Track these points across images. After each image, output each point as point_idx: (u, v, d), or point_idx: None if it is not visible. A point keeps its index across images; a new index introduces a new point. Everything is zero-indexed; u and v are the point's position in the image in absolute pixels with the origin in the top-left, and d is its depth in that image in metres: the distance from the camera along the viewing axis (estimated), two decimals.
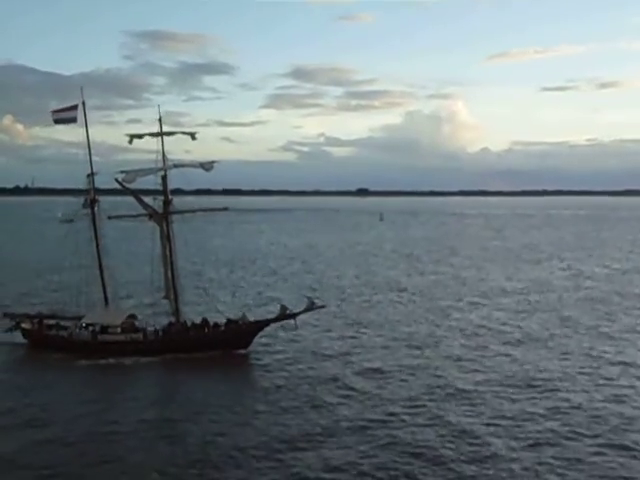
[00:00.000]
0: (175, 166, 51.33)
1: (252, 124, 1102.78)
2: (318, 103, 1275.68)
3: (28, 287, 75.89)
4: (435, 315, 64.00)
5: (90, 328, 50.81)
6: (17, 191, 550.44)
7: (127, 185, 50.69)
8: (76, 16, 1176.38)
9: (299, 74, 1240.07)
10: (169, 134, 51.45)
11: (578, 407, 37.80)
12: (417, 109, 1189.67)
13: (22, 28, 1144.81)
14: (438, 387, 41.50)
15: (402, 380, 43.03)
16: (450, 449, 31.99)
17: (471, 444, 32.47)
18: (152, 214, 51.40)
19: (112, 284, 53.37)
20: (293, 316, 49.68)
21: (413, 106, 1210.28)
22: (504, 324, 59.79)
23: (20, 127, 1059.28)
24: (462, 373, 44.71)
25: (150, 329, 50.50)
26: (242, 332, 50.04)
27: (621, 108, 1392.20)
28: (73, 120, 51.91)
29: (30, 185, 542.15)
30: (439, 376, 43.81)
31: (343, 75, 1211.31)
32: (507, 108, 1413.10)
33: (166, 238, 51.31)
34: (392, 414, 36.79)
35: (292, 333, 52.14)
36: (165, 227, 51.24)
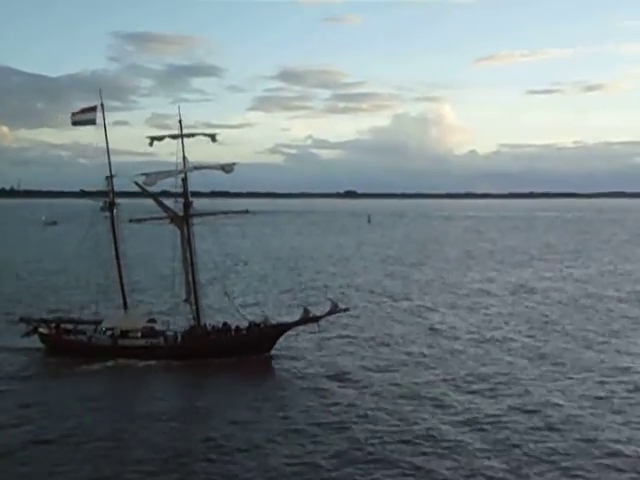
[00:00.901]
0: (196, 168, 50.77)
1: (240, 126, 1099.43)
2: (306, 105, 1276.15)
3: (44, 291, 74.93)
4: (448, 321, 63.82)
5: (109, 333, 50.23)
6: (3, 193, 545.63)
7: (148, 188, 50.02)
8: (63, 18, 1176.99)
9: (287, 76, 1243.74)
10: (189, 136, 50.86)
11: (554, 408, 38.09)
12: (405, 112, 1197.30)
13: (8, 31, 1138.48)
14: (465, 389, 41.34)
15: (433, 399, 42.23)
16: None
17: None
18: (173, 217, 50.81)
19: (130, 288, 52.65)
20: (316, 319, 49.23)
21: (401, 109, 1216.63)
22: (478, 327, 59.55)
23: (5, 129, 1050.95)
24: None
25: (170, 333, 49.93)
26: (265, 336, 49.53)
27: (606, 111, 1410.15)
28: (92, 122, 51.25)
29: (16, 187, 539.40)
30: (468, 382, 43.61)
31: (331, 77, 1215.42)
32: (494, 111, 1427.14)
33: (187, 241, 50.72)
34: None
35: (315, 336, 51.65)
36: (186, 230, 50.66)
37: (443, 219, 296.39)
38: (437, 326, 60.11)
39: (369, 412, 37.34)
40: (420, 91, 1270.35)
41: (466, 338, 55.37)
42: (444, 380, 43.53)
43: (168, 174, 50.01)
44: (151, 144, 50.39)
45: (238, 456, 31.79)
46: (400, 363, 47.80)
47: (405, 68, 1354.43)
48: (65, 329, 51.93)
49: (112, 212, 51.63)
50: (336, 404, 38.94)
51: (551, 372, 45.35)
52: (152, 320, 51.69)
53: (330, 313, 49.49)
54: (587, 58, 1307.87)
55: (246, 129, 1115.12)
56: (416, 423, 35.70)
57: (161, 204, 51.14)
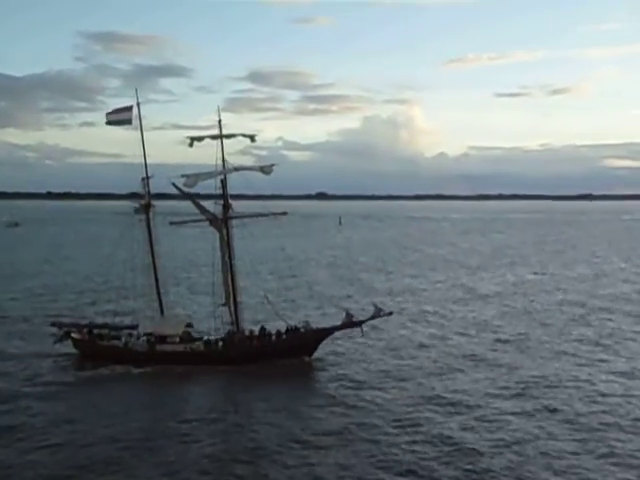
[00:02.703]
0: (236, 169, 49.87)
1: (209, 128, 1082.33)
2: (276, 107, 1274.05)
3: (77, 295, 73.27)
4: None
5: (145, 338, 49.03)
6: None
7: (188, 189, 48.98)
8: (28, 17, 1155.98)
9: (256, 77, 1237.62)
10: (229, 136, 50.04)
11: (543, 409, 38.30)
12: (374, 114, 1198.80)
13: None
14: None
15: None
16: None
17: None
18: (212, 219, 49.83)
19: (166, 292, 51.46)
20: (359, 324, 48.60)
21: (370, 111, 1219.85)
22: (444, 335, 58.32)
23: None
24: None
25: (211, 338, 48.88)
26: (306, 340, 48.77)
27: (573, 114, 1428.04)
28: (128, 122, 50.11)
29: None
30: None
31: (300, 79, 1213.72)
32: (463, 113, 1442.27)
33: (226, 244, 49.77)
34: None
35: (358, 341, 50.99)
36: (225, 233, 49.70)
37: (413, 220, 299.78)
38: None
39: (411, 418, 36.87)
40: (389, 93, 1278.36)
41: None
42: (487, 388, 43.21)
43: (208, 175, 49.07)
44: (191, 145, 49.44)
45: (279, 461, 31.33)
46: (453, 369, 47.28)
47: (374, 70, 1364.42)
48: (98, 334, 50.63)
49: (148, 214, 50.41)
50: (377, 410, 38.29)
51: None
52: (189, 325, 50.55)
53: (373, 317, 48.85)
54: (553, 62, 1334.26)
55: (216, 130, 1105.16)
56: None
57: (199, 206, 50.21)
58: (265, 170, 50.45)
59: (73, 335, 50.26)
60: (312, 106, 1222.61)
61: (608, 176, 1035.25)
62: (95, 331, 50.69)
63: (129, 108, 50.00)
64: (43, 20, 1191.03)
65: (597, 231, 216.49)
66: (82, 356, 49.82)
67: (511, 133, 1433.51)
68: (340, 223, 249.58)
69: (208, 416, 37.78)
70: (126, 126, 50.41)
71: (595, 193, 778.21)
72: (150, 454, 32.24)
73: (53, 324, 51.68)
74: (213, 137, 49.49)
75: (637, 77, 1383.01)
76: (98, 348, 49.66)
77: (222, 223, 49.68)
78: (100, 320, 52.30)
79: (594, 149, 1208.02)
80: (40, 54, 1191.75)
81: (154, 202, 50.74)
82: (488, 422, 36.16)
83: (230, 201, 49.85)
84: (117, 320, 51.92)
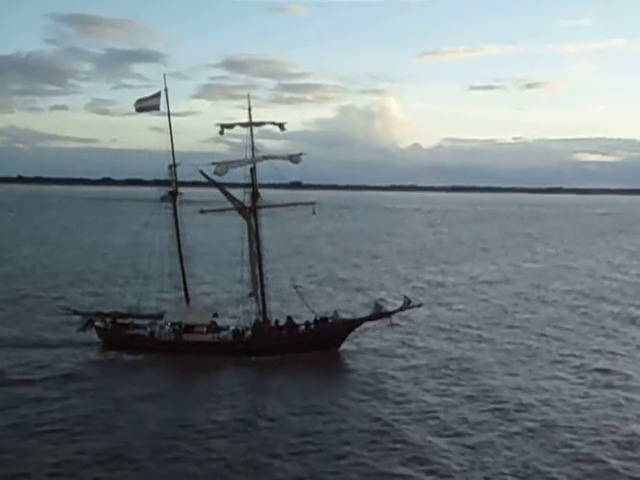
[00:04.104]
0: (265, 158, 49.38)
1: (184, 114, 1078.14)
2: (251, 95, 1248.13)
3: (100, 283, 71.49)
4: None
5: (172, 327, 48.39)
6: None
7: (217, 177, 48.41)
8: None
9: (231, 65, 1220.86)
10: (259, 124, 49.56)
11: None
12: (350, 104, 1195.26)
13: None
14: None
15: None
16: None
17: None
18: (240, 208, 49.27)
19: (190, 280, 50.80)
20: (388, 314, 48.41)
21: (345, 101, 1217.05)
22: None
23: None
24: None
25: (238, 328, 48.34)
26: (335, 331, 48.50)
27: (545, 108, 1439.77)
28: (156, 108, 49.39)
29: None
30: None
31: (276, 67, 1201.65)
32: (438, 105, 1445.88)
33: (254, 233, 49.25)
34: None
35: (387, 333, 50.77)
36: (253, 222, 49.18)
37: (389, 211, 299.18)
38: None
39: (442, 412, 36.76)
40: (365, 83, 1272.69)
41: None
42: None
43: (239, 163, 48.50)
44: (221, 132, 48.78)
45: (308, 454, 30.99)
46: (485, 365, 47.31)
47: (350, 60, 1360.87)
48: (121, 323, 49.91)
49: (175, 202, 49.69)
50: (407, 403, 38.07)
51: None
52: (215, 314, 49.94)
53: (403, 308, 48.70)
54: (527, 56, 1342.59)
55: (190, 117, 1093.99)
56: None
57: (227, 194, 49.62)
58: (294, 159, 50.04)
59: (96, 324, 49.47)
60: (287, 95, 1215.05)
61: (578, 170, 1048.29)
62: (119, 320, 49.94)
63: (157, 95, 49.33)
64: (11, 1, 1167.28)
65: (582, 224, 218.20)
66: (106, 345, 49.07)
67: (485, 126, 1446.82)
68: (314, 213, 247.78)
69: (234, 410, 37.08)
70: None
71: (566, 187, 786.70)
72: (174, 447, 31.66)
73: (76, 312, 50.75)
74: (243, 125, 48.92)
75: (609, 73, 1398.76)
76: (122, 337, 48.98)
77: (251, 212, 49.13)
78: (124, 309, 51.33)
79: (565, 143, 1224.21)
80: (8, 35, 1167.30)
81: (180, 189, 50.03)
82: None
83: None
84: (141, 309, 51.08)
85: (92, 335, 49.56)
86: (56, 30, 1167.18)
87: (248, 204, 49.32)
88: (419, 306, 49.73)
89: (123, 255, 59.66)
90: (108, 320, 49.88)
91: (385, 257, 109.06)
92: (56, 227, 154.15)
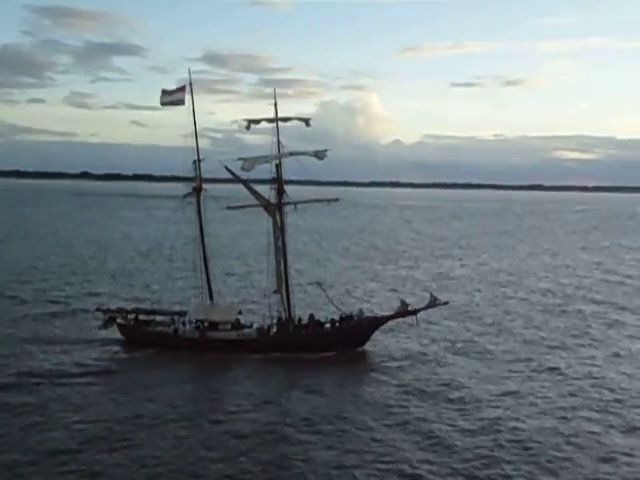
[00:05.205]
0: (291, 154, 49.00)
1: (164, 108, 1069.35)
2: (232, 89, 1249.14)
3: (122, 280, 71.10)
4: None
5: (195, 324, 47.90)
6: None
7: (243, 174, 47.91)
8: None
9: (212, 59, 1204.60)
10: (285, 120, 49.10)
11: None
12: (331, 99, 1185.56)
13: None
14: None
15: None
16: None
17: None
18: (265, 205, 48.82)
19: (215, 278, 50.22)
20: (414, 312, 48.23)
21: (327, 96, 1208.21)
22: None
23: None
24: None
25: (263, 326, 47.89)
26: (360, 329, 48.23)
27: (525, 106, 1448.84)
28: (181, 102, 48.73)
29: None
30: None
31: (257, 62, 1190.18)
32: (419, 101, 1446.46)
33: (279, 229, 48.84)
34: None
35: (413, 331, 50.57)
36: (279, 218, 48.76)
37: (370, 207, 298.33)
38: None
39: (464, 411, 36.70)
40: (346, 79, 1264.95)
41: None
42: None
43: (265, 160, 48.09)
44: (248, 127, 48.50)
45: (329, 451, 31.09)
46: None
47: (331, 56, 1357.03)
48: (144, 320, 49.30)
49: (199, 198, 49.11)
50: (434, 402, 38.01)
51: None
52: (239, 312, 49.48)
53: (429, 307, 48.61)
54: (507, 53, 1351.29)
55: (171, 111, 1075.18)
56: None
57: (253, 191, 49.10)
58: (319, 155, 49.73)
59: (118, 321, 48.80)
60: (268, 90, 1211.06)
61: (558, 167, 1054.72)
62: (141, 317, 49.34)
63: (182, 89, 48.74)
64: None
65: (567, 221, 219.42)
66: (128, 342, 48.44)
67: (466, 123, 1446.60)
68: (295, 209, 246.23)
69: (259, 409, 36.90)
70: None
71: (546, 184, 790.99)
72: (198, 447, 31.49)
73: (98, 309, 50.07)
74: (269, 120, 48.60)
75: (588, 71, 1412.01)
76: (145, 334, 48.38)
77: (276, 209, 48.71)
78: (146, 306, 50.71)
79: (545, 140, 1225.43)
80: None
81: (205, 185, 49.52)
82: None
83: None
84: (163, 305, 50.51)
85: (114, 332, 48.86)
86: (33, 22, 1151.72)
87: (274, 200, 48.86)
88: (445, 304, 49.52)
89: (142, 252, 58.95)
90: (130, 317, 49.22)
91: (359, 254, 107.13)
92: (61, 222, 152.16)
